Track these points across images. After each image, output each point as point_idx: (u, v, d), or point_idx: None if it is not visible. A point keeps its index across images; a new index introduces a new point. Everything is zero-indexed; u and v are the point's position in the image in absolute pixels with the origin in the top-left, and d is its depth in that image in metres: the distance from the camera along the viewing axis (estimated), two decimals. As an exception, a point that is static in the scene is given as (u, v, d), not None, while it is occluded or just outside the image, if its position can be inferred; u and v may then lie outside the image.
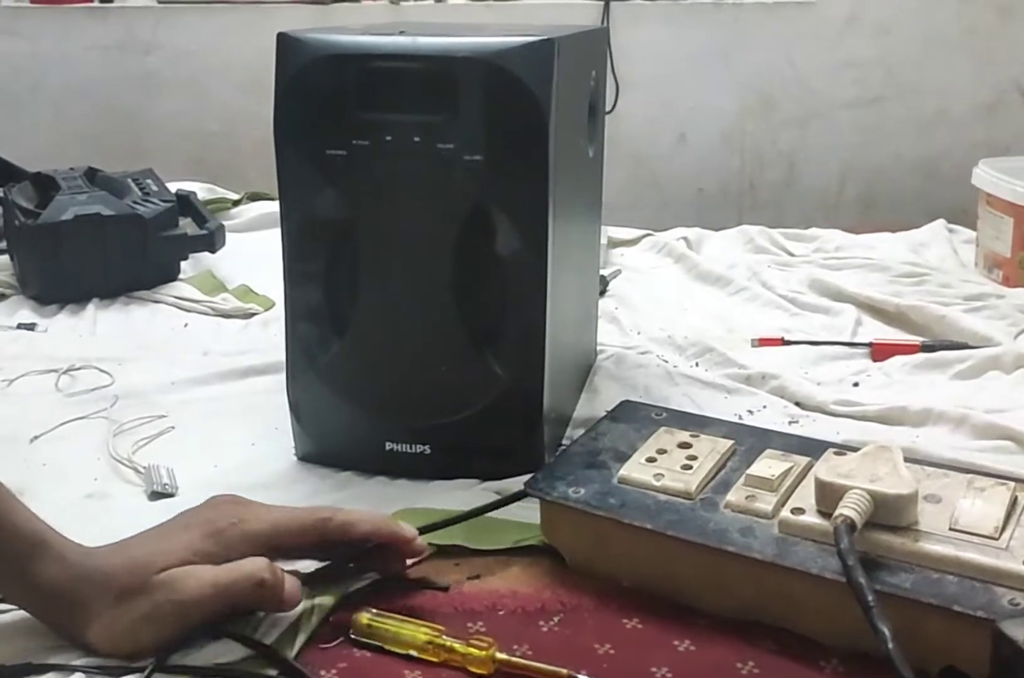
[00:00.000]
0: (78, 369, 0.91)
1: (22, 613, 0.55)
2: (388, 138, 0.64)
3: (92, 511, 0.67)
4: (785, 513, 0.56)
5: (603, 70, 0.89)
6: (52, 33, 2.30)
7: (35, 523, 0.55)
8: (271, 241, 0.72)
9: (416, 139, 0.64)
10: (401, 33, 0.67)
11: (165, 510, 0.68)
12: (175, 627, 0.53)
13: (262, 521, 0.58)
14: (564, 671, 0.52)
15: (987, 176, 1.17)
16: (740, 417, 0.82)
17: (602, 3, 2.25)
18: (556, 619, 0.58)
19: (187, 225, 1.15)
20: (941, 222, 1.34)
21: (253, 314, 1.06)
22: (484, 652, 0.53)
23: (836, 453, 0.60)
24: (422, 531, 0.61)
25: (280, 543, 0.58)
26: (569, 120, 0.72)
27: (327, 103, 0.66)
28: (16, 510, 0.55)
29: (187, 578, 0.54)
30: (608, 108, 2.20)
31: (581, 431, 0.77)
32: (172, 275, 1.12)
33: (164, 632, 0.53)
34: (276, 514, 0.59)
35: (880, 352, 0.95)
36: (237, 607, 0.55)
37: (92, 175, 1.16)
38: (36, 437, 0.79)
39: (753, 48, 2.34)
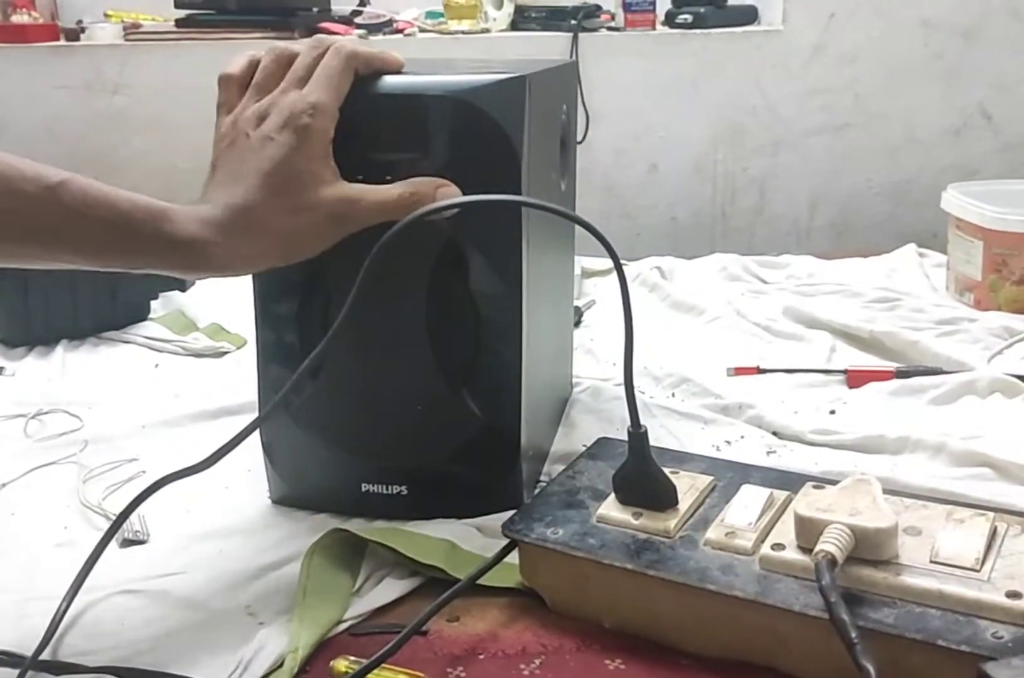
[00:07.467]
0: (47, 413, 0.90)
1: None
2: (360, 177, 0.64)
3: (62, 562, 0.65)
4: (766, 549, 0.56)
5: (573, 104, 0.89)
6: (17, 72, 2.29)
7: (149, 198, 0.61)
8: (241, 278, 0.71)
9: (388, 178, 0.64)
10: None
11: (137, 559, 0.68)
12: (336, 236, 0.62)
13: None
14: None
15: (955, 200, 1.17)
16: (718, 448, 0.81)
17: (570, 35, 2.26)
18: (538, 662, 0.57)
19: (157, 264, 1.14)
20: (912, 247, 1.35)
21: (225, 353, 1.05)
22: (465, 699, 0.52)
23: (815, 487, 0.60)
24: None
25: None
26: (541, 155, 0.72)
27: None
28: (122, 192, 0.61)
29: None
30: (579, 139, 2.21)
31: (559, 466, 0.77)
32: (142, 315, 1.11)
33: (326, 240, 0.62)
34: None
35: (855, 379, 0.95)
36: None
37: (60, 215, 1.14)
38: (4, 485, 0.77)
39: (722, 77, 2.37)
